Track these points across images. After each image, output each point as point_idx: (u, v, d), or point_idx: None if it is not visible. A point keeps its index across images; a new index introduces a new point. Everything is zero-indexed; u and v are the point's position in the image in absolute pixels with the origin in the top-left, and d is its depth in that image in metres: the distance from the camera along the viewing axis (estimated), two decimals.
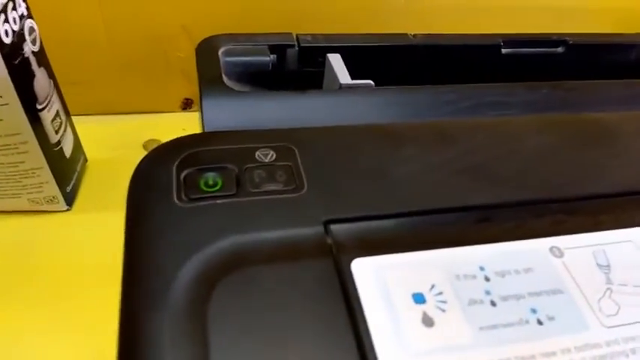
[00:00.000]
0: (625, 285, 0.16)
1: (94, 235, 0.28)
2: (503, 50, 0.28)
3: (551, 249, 0.17)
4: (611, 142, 0.21)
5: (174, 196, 0.16)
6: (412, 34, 0.27)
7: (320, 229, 0.16)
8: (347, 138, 0.19)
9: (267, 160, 0.18)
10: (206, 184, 0.17)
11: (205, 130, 0.20)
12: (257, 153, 0.18)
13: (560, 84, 0.24)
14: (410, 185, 0.18)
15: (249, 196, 0.17)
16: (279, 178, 0.17)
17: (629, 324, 0.15)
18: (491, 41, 0.28)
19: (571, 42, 0.29)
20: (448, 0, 0.35)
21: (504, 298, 0.15)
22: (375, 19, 0.36)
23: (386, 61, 0.27)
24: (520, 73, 0.27)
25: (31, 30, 0.26)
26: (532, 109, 0.23)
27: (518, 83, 0.24)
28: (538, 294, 0.16)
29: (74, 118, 0.32)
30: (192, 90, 0.38)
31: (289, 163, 0.18)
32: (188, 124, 0.33)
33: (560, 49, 0.29)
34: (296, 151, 0.18)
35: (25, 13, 0.25)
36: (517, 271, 0.16)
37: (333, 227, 0.16)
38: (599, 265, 0.17)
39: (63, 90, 0.30)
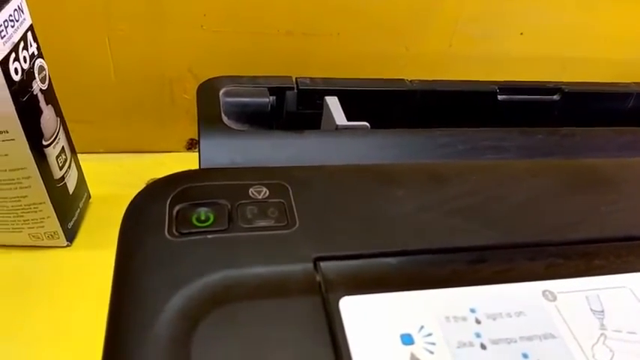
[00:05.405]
0: (620, 331, 0.16)
1: (93, 272, 0.28)
2: (499, 97, 0.28)
3: (544, 292, 0.17)
4: (606, 187, 0.21)
5: (166, 230, 0.16)
6: (409, 79, 0.27)
7: (309, 266, 0.16)
8: (340, 177, 0.19)
9: (260, 197, 0.18)
10: (198, 219, 0.17)
11: (202, 167, 0.20)
12: (250, 190, 0.18)
13: (556, 130, 0.24)
14: (402, 225, 0.18)
15: (240, 232, 0.17)
16: (272, 215, 0.17)
17: None
18: (488, 88, 0.28)
19: (567, 90, 0.29)
20: (450, 48, 0.36)
21: (495, 342, 0.15)
22: (378, 66, 0.37)
23: (383, 105, 0.27)
24: (516, 119, 0.28)
25: (41, 69, 0.27)
26: (527, 154, 0.23)
27: (514, 128, 0.24)
28: (530, 338, 0.15)
29: (80, 156, 0.32)
30: (197, 131, 0.39)
31: (282, 201, 0.18)
32: (192, 164, 0.33)
33: (555, 97, 0.29)
34: (289, 188, 0.18)
35: (36, 53, 0.26)
36: (509, 314, 0.16)
37: (323, 265, 0.16)
38: (593, 311, 0.16)
39: (70, 128, 0.31)
